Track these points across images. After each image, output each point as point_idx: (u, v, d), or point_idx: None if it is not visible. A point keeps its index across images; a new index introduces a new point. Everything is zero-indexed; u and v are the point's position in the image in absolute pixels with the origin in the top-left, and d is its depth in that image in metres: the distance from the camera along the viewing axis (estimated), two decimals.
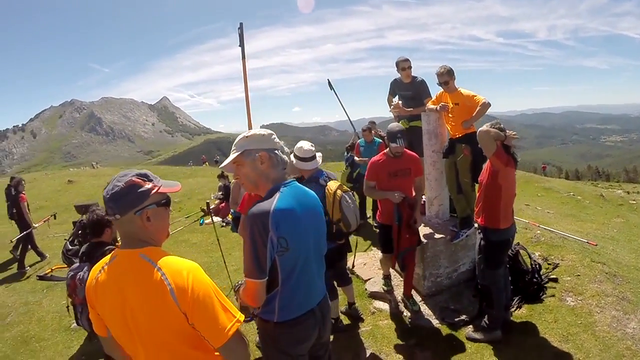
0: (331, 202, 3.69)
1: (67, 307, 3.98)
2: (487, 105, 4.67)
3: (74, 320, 4.01)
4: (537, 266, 5.03)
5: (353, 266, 5.19)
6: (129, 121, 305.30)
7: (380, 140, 7.96)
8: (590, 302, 4.61)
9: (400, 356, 4.23)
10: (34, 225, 8.99)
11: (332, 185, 3.81)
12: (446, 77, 4.87)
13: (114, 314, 1.73)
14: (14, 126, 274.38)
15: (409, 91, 6.00)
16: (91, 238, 3.71)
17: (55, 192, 17.24)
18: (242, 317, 1.75)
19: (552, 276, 5.20)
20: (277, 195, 2.10)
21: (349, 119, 8.43)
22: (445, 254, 5.10)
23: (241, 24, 5.91)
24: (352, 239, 4.57)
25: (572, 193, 13.05)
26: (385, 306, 5.18)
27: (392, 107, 6.04)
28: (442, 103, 5.04)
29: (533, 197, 12.68)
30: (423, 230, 5.18)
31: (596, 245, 6.33)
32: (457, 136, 4.98)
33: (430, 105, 5.27)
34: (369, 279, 5.69)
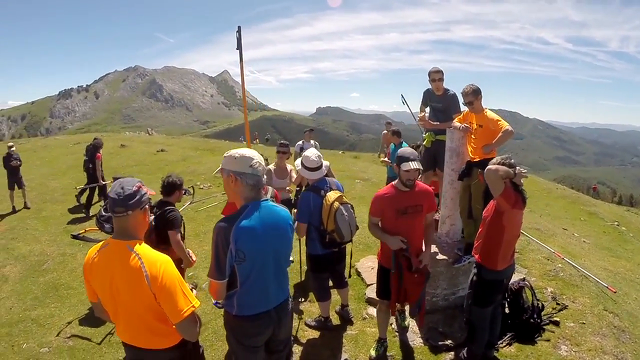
0: (327, 212, 4.04)
1: None
2: (509, 133, 4.55)
3: None
4: (539, 306, 4.85)
5: (349, 276, 5.20)
6: (188, 91, 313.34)
7: (406, 145, 8.18)
8: (584, 356, 4.40)
9: None
10: (101, 182, 10.64)
11: (331, 196, 4.11)
12: (471, 97, 4.78)
13: (103, 288, 2.34)
14: (78, 86, 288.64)
15: (439, 103, 5.86)
16: (164, 198, 4.61)
17: (107, 155, 17.89)
18: (197, 303, 2.33)
19: (555, 318, 4.99)
20: (244, 213, 2.53)
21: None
22: (445, 275, 5.05)
23: (239, 27, 6.01)
24: (348, 246, 4.66)
25: (616, 222, 12.59)
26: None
27: (418, 119, 6.01)
28: (465, 124, 4.94)
29: (574, 221, 12.47)
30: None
31: (616, 292, 5.88)
32: (476, 159, 4.83)
33: (455, 122, 5.12)
34: (372, 284, 5.74)
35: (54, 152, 20.12)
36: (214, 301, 2.85)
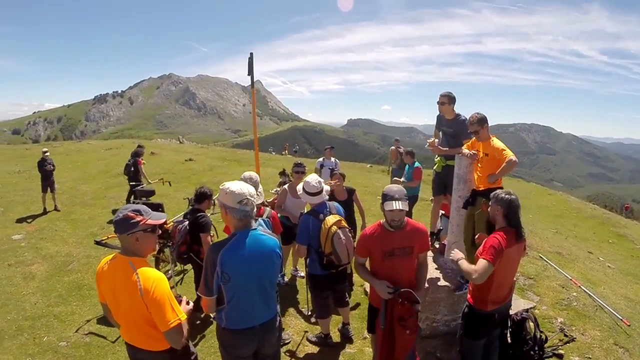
0: (325, 236, 4.32)
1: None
2: (512, 163, 4.56)
3: None
4: (543, 338, 4.80)
5: (350, 296, 5.39)
6: (221, 99, 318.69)
7: (418, 165, 8.47)
8: None
9: None
10: (144, 183, 11.54)
11: (330, 220, 4.37)
12: (476, 126, 4.82)
13: (108, 294, 2.82)
14: (113, 92, 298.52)
15: (450, 128, 5.80)
16: (194, 205, 5.45)
17: None
18: (184, 317, 2.75)
19: (559, 351, 4.95)
20: (231, 240, 2.95)
21: None
22: (447, 302, 5.09)
23: (251, 54, 6.25)
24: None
25: None
26: None
27: (428, 143, 5.94)
28: (473, 151, 4.95)
29: (602, 243, 12.21)
30: (432, 272, 5.20)
31: (630, 325, 5.72)
32: (480, 188, 4.86)
33: (464, 149, 5.12)
34: None
35: (86, 157, 21.06)
36: (211, 315, 3.24)
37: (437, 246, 5.95)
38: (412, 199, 8.66)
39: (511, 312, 4.71)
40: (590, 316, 5.87)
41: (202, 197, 5.40)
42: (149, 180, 11.99)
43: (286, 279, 6.83)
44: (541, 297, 6.42)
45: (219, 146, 75.75)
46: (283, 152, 37.67)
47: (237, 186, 2.99)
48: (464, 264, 3.62)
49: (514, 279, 3.97)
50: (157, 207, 6.15)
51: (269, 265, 3.08)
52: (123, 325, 2.88)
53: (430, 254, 5.73)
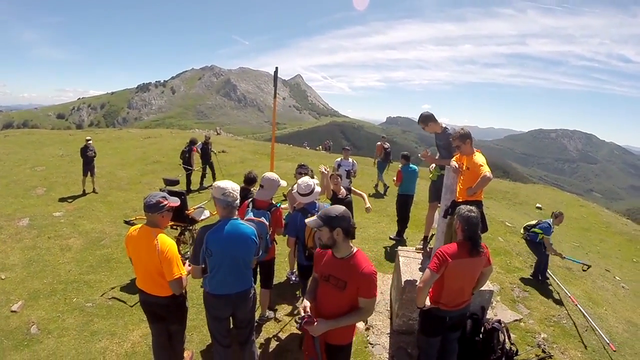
0: (308, 231, 5.04)
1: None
2: (486, 179, 4.77)
3: None
4: (513, 351, 5.07)
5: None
6: (261, 92, 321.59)
7: (415, 167, 9.46)
8: None
9: None
10: (194, 168, 14.27)
11: None
12: (457, 141, 5.14)
13: (133, 252, 4.00)
14: (156, 81, 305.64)
15: (440, 141, 6.16)
16: (245, 186, 6.24)
17: (172, 151, 19.57)
18: (184, 272, 3.95)
19: None
20: (217, 225, 3.87)
21: None
22: None
23: (276, 68, 6.72)
24: None
25: None
26: (361, 325, 5.80)
27: (421, 154, 6.31)
28: (455, 165, 5.23)
29: (625, 261, 12.12)
30: (413, 272, 5.65)
31: (615, 351, 5.83)
32: (460, 200, 5.11)
33: (452, 161, 5.37)
34: None
35: (125, 144, 22.31)
36: (201, 285, 4.15)
37: (428, 250, 6.35)
38: (406, 197, 9.54)
39: (489, 321, 5.17)
40: (575, 336, 6.07)
41: (251, 181, 6.37)
42: (194, 168, 14.31)
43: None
44: (531, 310, 6.68)
45: (257, 138, 76.89)
46: (317, 148, 37.80)
47: (223, 183, 3.92)
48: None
49: (472, 289, 4.17)
50: (180, 195, 7.02)
51: (242, 247, 3.92)
52: (140, 275, 4.05)
53: (415, 255, 6.29)
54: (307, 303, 3.48)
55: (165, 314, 4.19)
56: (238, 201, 3.98)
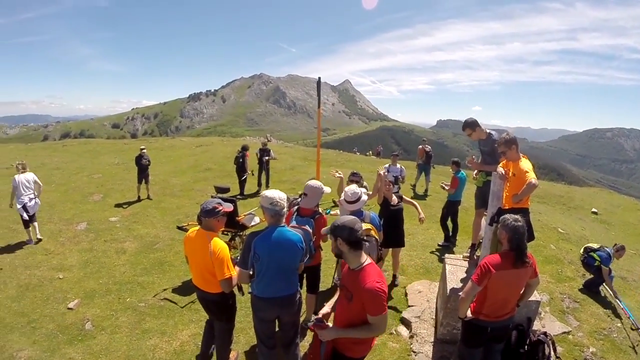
0: None
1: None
2: (532, 186, 4.64)
3: None
4: None
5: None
6: (310, 98, 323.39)
7: (463, 174, 9.49)
8: None
9: None
10: (249, 172, 14.51)
11: None
12: (502, 147, 5.06)
13: (189, 253, 4.47)
14: (206, 90, 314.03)
15: (485, 147, 6.07)
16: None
17: (224, 158, 20.08)
18: (234, 273, 4.20)
19: None
20: (265, 231, 4.05)
21: None
22: None
23: (319, 78, 6.75)
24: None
25: None
26: (405, 332, 5.93)
27: (467, 160, 6.31)
28: (502, 172, 5.11)
29: None
30: (459, 281, 5.58)
31: None
32: (506, 207, 5.02)
33: (499, 167, 5.27)
34: (412, 306, 6.53)
35: (178, 152, 23.14)
36: (249, 290, 4.35)
37: (476, 258, 6.20)
38: (455, 203, 9.68)
39: (535, 333, 5.00)
40: (626, 351, 5.79)
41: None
42: (249, 172, 14.56)
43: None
44: (581, 322, 6.39)
45: (307, 144, 77.25)
46: (367, 153, 37.57)
47: (270, 193, 4.09)
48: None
49: (517, 302, 4.11)
50: (231, 202, 7.28)
51: (288, 253, 4.07)
52: (194, 273, 4.47)
53: (462, 263, 6.18)
54: (325, 309, 3.60)
55: (215, 309, 4.62)
56: (285, 209, 4.14)
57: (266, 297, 4.13)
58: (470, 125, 5.97)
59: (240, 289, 4.69)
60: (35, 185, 9.11)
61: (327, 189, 5.33)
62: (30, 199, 8.88)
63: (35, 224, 9.21)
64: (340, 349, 3.39)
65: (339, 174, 6.80)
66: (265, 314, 4.25)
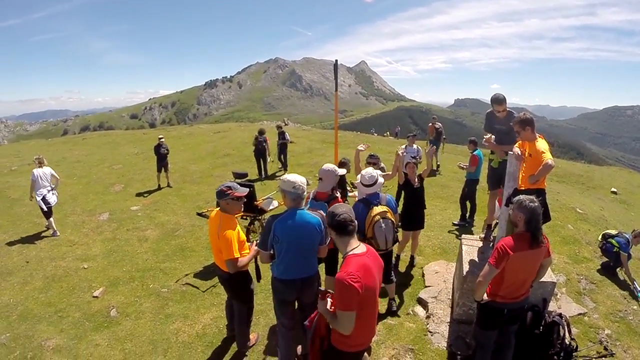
0: (369, 222, 4.95)
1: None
2: (548, 167, 4.55)
3: None
4: (572, 346, 4.83)
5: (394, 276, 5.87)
6: (327, 81, 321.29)
7: (481, 152, 9.33)
8: None
9: (386, 356, 5.02)
10: (268, 157, 14.89)
11: (376, 210, 4.97)
12: (517, 127, 4.99)
13: (209, 231, 4.61)
14: (222, 77, 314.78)
15: (503, 126, 5.95)
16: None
17: (242, 144, 20.25)
18: (238, 255, 4.31)
19: None
20: (285, 214, 4.09)
21: None
22: None
23: (336, 60, 6.60)
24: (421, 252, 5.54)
25: None
26: (422, 313, 5.94)
27: (484, 140, 6.03)
28: (518, 152, 4.96)
29: None
30: (476, 261, 5.54)
31: None
32: (522, 188, 4.94)
33: (515, 147, 5.10)
34: (429, 286, 6.52)
35: (197, 140, 23.30)
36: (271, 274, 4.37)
37: (492, 238, 6.08)
38: (474, 182, 9.59)
39: (551, 314, 4.92)
40: None
41: (342, 164, 6.46)
42: (269, 158, 14.99)
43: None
44: (597, 304, 6.31)
45: (325, 127, 76.93)
46: (385, 134, 37.28)
47: (292, 177, 4.12)
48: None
49: (532, 282, 4.09)
50: (249, 187, 7.33)
51: (307, 235, 4.09)
52: (213, 250, 4.62)
53: (479, 244, 6.08)
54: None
55: (228, 288, 4.85)
56: (305, 193, 4.19)
57: (286, 279, 4.17)
58: (503, 101, 5.87)
59: (258, 274, 4.79)
60: (53, 178, 9.37)
61: (342, 171, 5.31)
62: (49, 191, 9.13)
63: (52, 219, 9.34)
64: (333, 342, 3.32)
65: (362, 147, 6.71)
66: (285, 295, 4.30)
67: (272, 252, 4.14)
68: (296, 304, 4.50)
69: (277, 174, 14.75)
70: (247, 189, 4.65)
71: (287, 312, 4.41)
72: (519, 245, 3.75)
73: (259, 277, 4.81)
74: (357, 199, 6.01)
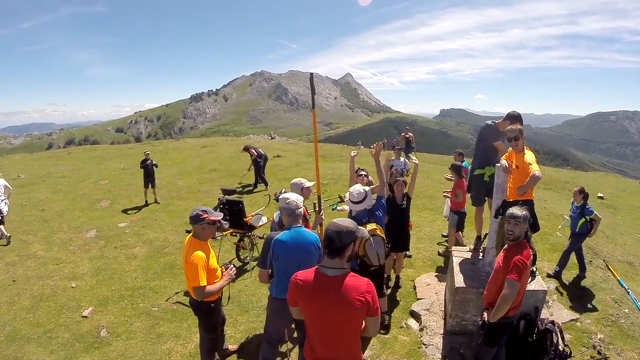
0: (360, 242, 4.93)
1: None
2: (536, 178, 4.64)
3: None
4: (566, 353, 4.91)
5: (390, 287, 6.16)
6: None
7: (467, 164, 8.99)
8: None
9: None
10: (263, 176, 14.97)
11: (366, 228, 5.00)
12: (517, 133, 5.00)
13: (185, 257, 4.40)
14: (208, 90, 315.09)
15: (491, 139, 6.00)
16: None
17: (229, 158, 20.34)
18: (204, 282, 4.20)
19: None
20: (283, 232, 4.15)
21: None
22: (476, 303, 5.31)
23: (312, 74, 6.79)
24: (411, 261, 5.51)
25: None
26: (415, 325, 5.97)
27: (502, 167, 5.91)
28: (505, 164, 5.07)
29: None
30: (466, 272, 5.66)
31: None
32: (510, 200, 5.05)
33: (502, 159, 5.25)
34: (421, 299, 6.57)
35: (183, 154, 23.24)
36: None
37: (482, 249, 6.17)
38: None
39: (543, 322, 5.04)
40: (634, 337, 5.79)
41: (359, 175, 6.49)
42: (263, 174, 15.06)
43: None
44: (588, 310, 6.41)
45: (311, 140, 76.86)
46: (371, 147, 37.33)
47: (287, 194, 4.29)
48: (497, 304, 3.95)
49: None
50: (238, 204, 7.60)
51: (305, 253, 4.12)
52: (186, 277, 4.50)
53: (469, 255, 6.21)
54: None
55: (195, 313, 4.80)
56: (301, 209, 4.28)
57: (284, 299, 4.00)
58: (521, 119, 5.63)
59: (222, 299, 4.83)
60: (5, 189, 10.19)
61: (308, 184, 5.35)
62: (1, 201, 9.90)
63: (2, 227, 9.80)
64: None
65: (354, 152, 6.48)
66: (284, 315, 4.18)
67: (270, 271, 4.19)
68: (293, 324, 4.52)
69: (254, 191, 14.66)
70: (221, 214, 4.66)
71: (281, 328, 4.44)
72: (527, 255, 3.87)
73: (227, 300, 5.00)
74: (346, 212, 6.05)
